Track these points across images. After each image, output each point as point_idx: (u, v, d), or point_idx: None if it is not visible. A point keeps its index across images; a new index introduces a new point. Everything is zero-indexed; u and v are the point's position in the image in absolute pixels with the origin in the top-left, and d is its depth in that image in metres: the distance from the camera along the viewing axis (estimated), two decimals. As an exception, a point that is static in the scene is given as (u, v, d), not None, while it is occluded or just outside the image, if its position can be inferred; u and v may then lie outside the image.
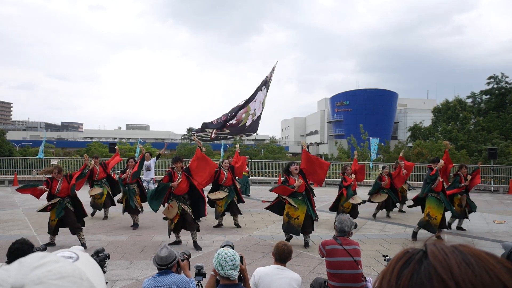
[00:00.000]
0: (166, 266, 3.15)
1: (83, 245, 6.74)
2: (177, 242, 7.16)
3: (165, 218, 7.26)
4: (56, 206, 6.85)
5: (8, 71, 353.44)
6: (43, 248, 3.50)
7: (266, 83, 10.55)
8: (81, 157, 25.29)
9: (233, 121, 10.19)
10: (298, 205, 6.82)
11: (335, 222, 4.14)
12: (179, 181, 6.83)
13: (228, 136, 10.38)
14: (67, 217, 6.84)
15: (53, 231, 6.92)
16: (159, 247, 3.30)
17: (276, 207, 7.32)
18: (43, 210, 6.96)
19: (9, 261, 3.16)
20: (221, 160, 11.83)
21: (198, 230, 6.95)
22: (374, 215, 9.95)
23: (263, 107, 10.26)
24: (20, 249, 3.14)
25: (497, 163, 19.54)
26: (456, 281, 0.49)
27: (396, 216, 10.45)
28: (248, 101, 10.41)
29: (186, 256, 3.45)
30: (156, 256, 3.17)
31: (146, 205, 8.13)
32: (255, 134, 11.02)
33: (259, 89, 10.46)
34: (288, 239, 7.07)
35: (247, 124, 10.05)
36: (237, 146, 10.44)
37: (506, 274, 0.49)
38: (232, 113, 10.27)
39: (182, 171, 6.95)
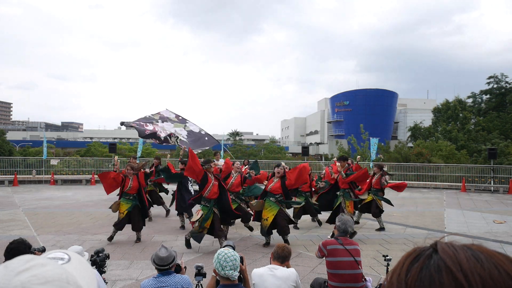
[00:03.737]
0: (167, 266, 3.13)
1: (139, 239, 7.30)
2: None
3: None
4: (126, 201, 7.28)
5: (8, 71, 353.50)
6: (42, 249, 3.49)
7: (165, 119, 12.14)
8: (81, 157, 25.27)
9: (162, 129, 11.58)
10: (270, 206, 6.94)
11: (336, 223, 4.13)
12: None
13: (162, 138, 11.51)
14: (134, 214, 7.21)
15: (120, 226, 7.19)
16: (158, 247, 3.27)
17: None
18: (115, 208, 7.36)
19: (5, 261, 3.14)
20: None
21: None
22: (357, 222, 9.02)
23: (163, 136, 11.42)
24: (16, 248, 3.12)
25: (497, 163, 19.53)
26: (465, 274, 0.49)
27: (396, 216, 10.45)
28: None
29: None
30: (155, 256, 3.14)
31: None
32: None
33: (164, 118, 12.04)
34: (267, 243, 7.12)
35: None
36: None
37: None
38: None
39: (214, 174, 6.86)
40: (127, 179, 7.33)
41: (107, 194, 7.75)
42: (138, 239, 7.32)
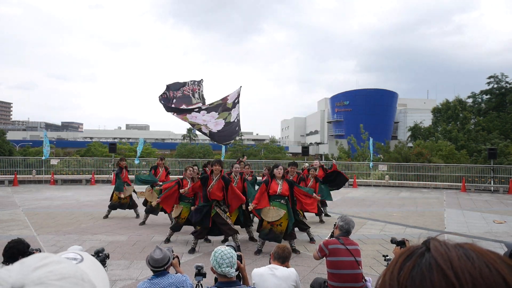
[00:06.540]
0: (161, 268, 3.11)
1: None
2: (168, 240, 7.43)
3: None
4: (186, 205, 7.47)
5: (8, 71, 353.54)
6: (39, 251, 3.49)
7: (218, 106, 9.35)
8: (81, 157, 25.26)
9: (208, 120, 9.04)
10: (281, 208, 6.54)
11: (336, 223, 4.13)
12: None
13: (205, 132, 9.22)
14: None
15: (178, 227, 7.47)
16: (152, 248, 3.26)
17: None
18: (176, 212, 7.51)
19: (4, 260, 3.14)
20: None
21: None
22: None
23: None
24: (14, 247, 3.12)
25: (497, 163, 19.53)
26: (455, 272, 0.50)
27: (396, 216, 10.45)
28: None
29: (174, 254, 3.41)
30: (149, 258, 3.11)
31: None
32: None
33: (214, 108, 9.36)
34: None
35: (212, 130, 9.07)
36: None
37: (506, 269, 0.50)
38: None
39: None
40: (185, 181, 7.49)
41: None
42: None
